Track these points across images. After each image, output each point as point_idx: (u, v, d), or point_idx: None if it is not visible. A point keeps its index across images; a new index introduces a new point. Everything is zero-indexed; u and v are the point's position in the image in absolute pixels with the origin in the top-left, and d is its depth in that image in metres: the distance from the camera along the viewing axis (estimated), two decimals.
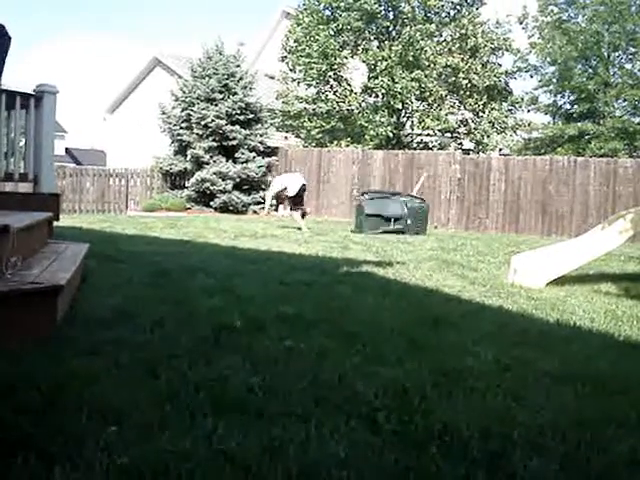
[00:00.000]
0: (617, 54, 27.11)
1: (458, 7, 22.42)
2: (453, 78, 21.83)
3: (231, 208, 19.41)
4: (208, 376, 3.22)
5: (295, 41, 22.33)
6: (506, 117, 23.04)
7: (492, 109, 22.58)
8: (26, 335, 3.57)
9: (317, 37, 21.42)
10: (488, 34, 22.11)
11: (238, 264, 7.58)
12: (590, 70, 26.94)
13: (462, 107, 22.92)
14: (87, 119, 73.32)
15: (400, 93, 20.84)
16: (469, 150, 22.90)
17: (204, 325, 4.27)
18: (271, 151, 20.61)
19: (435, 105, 22.06)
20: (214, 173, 19.22)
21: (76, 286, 5.13)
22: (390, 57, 20.98)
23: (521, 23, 27.09)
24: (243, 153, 19.73)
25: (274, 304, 5.12)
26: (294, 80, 22.89)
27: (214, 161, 19.52)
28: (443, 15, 22.47)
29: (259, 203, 19.71)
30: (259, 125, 20.41)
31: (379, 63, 21.17)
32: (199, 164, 19.69)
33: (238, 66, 20.48)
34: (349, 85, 22.50)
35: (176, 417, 2.70)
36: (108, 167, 23.79)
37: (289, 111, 22.89)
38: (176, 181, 20.81)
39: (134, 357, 3.48)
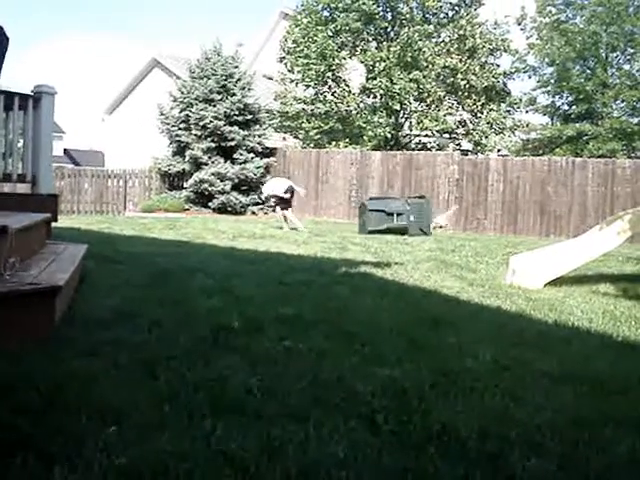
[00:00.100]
0: (615, 55, 27.11)
1: (456, 8, 22.43)
2: (451, 79, 21.83)
3: (229, 209, 19.40)
4: (207, 377, 3.22)
5: (293, 42, 22.33)
6: (504, 118, 23.05)
7: (490, 110, 22.60)
8: (25, 335, 3.58)
9: (315, 38, 21.43)
10: (486, 35, 22.12)
11: (237, 265, 7.58)
12: (588, 71, 26.94)
13: (460, 108, 22.93)
14: (85, 120, 73.43)
15: (398, 94, 20.84)
16: (467, 151, 22.91)
17: (203, 325, 4.27)
18: (269, 152, 20.61)
19: (433, 106, 22.08)
20: (212, 174, 19.21)
21: (74, 287, 5.13)
22: (388, 58, 20.99)
23: (519, 24, 27.10)
24: (241, 154, 19.73)
25: (273, 304, 5.13)
26: (292, 81, 22.88)
27: (212, 162, 19.52)
28: (441, 16, 22.49)
29: (257, 204, 19.72)
30: (257, 126, 20.41)
31: (377, 64, 21.17)
32: (197, 165, 19.68)
33: (236, 67, 20.48)
34: (347, 86, 22.51)
35: (175, 418, 2.70)
36: (106, 168, 23.78)
37: (287, 112, 22.88)
38: (174, 182, 20.80)
39: (133, 358, 3.48)
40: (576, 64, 27.04)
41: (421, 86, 20.93)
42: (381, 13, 21.87)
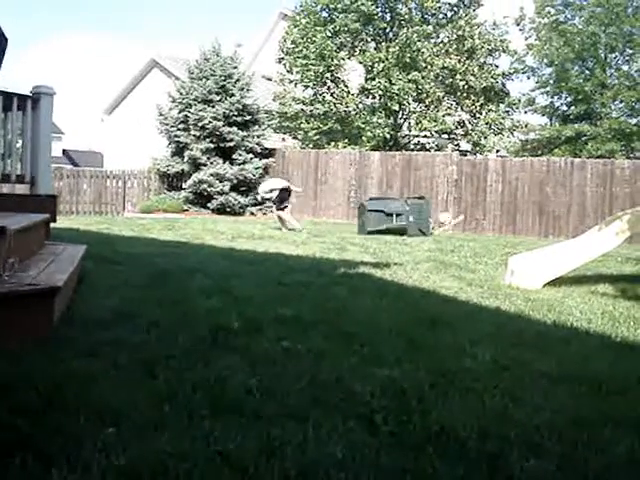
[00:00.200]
0: (614, 55, 27.13)
1: (455, 9, 22.45)
2: (450, 79, 21.83)
3: (228, 209, 19.40)
4: (206, 377, 3.22)
5: (292, 42, 22.33)
6: (503, 118, 23.05)
7: (489, 110, 22.60)
8: (24, 336, 3.58)
9: (314, 39, 21.43)
10: (485, 36, 22.12)
11: (236, 265, 7.58)
12: (587, 72, 26.96)
13: (459, 108, 22.93)
14: (84, 121, 73.35)
15: (397, 94, 20.84)
16: (466, 151, 22.91)
17: (202, 326, 4.27)
18: (268, 152, 20.61)
19: (432, 106, 22.08)
20: (211, 174, 19.22)
21: (73, 287, 5.13)
22: (387, 59, 20.99)
23: (518, 25, 27.12)
24: (240, 155, 19.74)
25: (272, 305, 5.13)
26: (291, 81, 22.87)
27: (211, 162, 19.52)
28: (440, 17, 22.50)
29: (256, 204, 19.72)
30: (256, 126, 20.42)
31: (376, 65, 21.18)
32: (196, 165, 19.68)
33: (235, 68, 20.49)
34: (346, 86, 22.51)
35: (174, 418, 2.70)
36: (105, 168, 23.76)
37: (286, 112, 22.88)
38: (173, 182, 20.80)
39: (132, 358, 3.48)
40: (575, 65, 27.06)
41: (420, 87, 20.93)
42: (380, 14, 21.88)
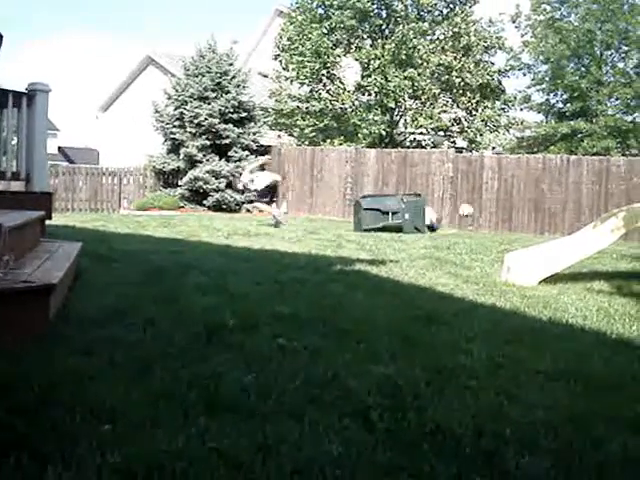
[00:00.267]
0: (610, 52, 27.17)
1: (451, 5, 22.42)
2: (446, 76, 21.83)
3: (224, 206, 19.38)
4: (201, 374, 3.22)
5: (288, 39, 22.30)
6: (499, 115, 23.06)
7: (485, 107, 22.60)
8: (19, 334, 3.57)
9: (310, 35, 21.40)
10: (481, 32, 22.13)
11: (231, 262, 7.58)
12: (583, 68, 26.98)
13: (455, 105, 22.93)
14: (80, 118, 73.04)
15: (393, 91, 20.83)
16: (462, 148, 22.90)
17: (197, 323, 4.27)
18: (264, 150, 20.58)
19: (428, 103, 22.07)
20: (207, 171, 19.18)
21: (69, 285, 5.12)
22: (383, 55, 20.98)
23: (514, 22, 27.14)
24: (236, 152, 19.70)
25: (268, 302, 5.13)
26: (287, 78, 22.83)
27: (207, 159, 19.49)
28: (436, 13, 22.47)
29: (252, 202, 19.70)
30: (252, 123, 20.39)
31: (372, 61, 21.17)
32: (192, 162, 19.65)
33: (231, 64, 20.45)
34: (342, 83, 22.48)
35: (169, 416, 2.70)
36: (101, 166, 23.70)
37: (282, 109, 22.84)
38: (169, 180, 20.75)
39: (127, 355, 3.48)
40: (571, 62, 27.09)
41: (416, 84, 20.92)
42: (376, 11, 21.84)
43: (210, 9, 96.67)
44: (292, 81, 22.74)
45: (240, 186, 17.42)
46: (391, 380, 3.29)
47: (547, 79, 27.66)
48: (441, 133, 23.31)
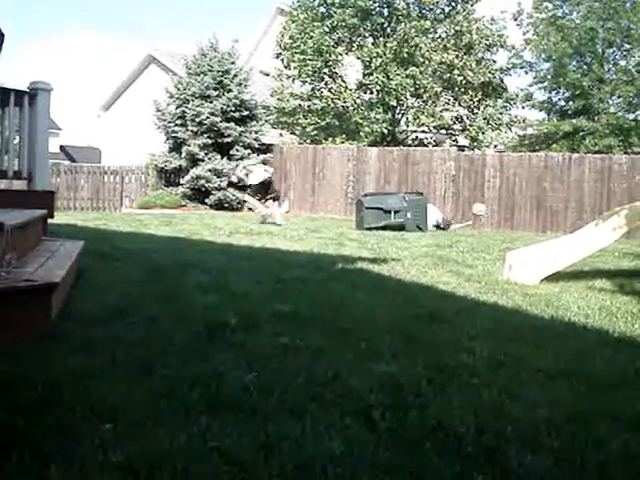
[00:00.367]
0: (612, 50, 27.08)
1: (453, 4, 22.37)
2: (448, 75, 21.79)
3: (226, 205, 19.37)
4: (203, 373, 3.22)
5: (290, 38, 22.26)
6: (501, 114, 23.01)
7: (487, 106, 22.56)
8: (21, 332, 3.57)
9: (312, 34, 21.37)
10: (483, 31, 22.07)
11: (233, 261, 7.58)
12: (585, 67, 26.91)
13: (457, 104, 22.88)
14: (82, 116, 72.97)
15: (395, 90, 20.81)
16: (464, 147, 22.86)
17: (199, 322, 4.27)
18: (266, 148, 20.58)
19: (430, 102, 22.03)
20: (209, 170, 19.18)
21: (71, 283, 5.12)
22: (385, 54, 20.95)
23: (516, 20, 27.06)
24: (238, 150, 19.70)
25: (269, 301, 5.13)
26: (289, 77, 22.81)
27: (209, 158, 19.48)
28: (438, 12, 22.43)
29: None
30: (254, 122, 20.38)
31: (374, 60, 21.14)
32: (194, 161, 19.64)
33: (233, 63, 20.44)
34: (344, 82, 22.45)
35: (171, 414, 2.70)
36: (103, 164, 23.69)
37: (284, 108, 22.81)
38: (171, 178, 20.76)
39: (129, 354, 3.48)
40: (572, 60, 27.01)
41: (418, 82, 20.89)
42: (377, 9, 21.82)
43: (210, 9, 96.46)
44: (294, 79, 22.72)
45: (234, 179, 17.41)
46: (393, 378, 3.29)
47: (549, 77, 27.59)
48: (443, 131, 23.28)
